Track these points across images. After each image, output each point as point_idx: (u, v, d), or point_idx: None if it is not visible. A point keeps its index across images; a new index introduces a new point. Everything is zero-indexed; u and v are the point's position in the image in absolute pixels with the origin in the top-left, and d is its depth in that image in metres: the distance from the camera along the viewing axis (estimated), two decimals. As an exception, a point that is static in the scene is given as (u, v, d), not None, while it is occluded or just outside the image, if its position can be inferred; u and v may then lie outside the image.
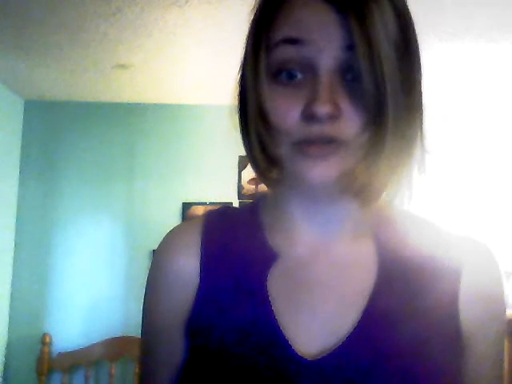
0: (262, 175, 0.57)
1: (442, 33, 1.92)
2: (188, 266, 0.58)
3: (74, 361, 2.56)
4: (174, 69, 2.36)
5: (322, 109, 0.47)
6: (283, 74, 0.50)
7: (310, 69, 0.49)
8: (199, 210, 2.78)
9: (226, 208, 0.65)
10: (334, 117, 0.48)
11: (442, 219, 0.63)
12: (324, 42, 0.48)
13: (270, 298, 0.54)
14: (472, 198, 2.69)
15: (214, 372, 0.53)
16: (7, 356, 2.62)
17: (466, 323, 0.54)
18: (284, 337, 0.52)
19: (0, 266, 2.60)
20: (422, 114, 0.54)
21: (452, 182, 2.67)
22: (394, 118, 0.48)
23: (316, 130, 0.49)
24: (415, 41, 0.52)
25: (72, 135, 2.82)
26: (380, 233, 0.58)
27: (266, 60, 0.52)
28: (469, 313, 0.54)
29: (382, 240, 0.57)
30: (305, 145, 0.50)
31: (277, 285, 0.55)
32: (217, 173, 2.82)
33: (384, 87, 0.47)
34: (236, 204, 2.81)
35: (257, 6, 0.56)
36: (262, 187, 2.83)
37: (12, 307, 2.67)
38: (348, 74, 0.49)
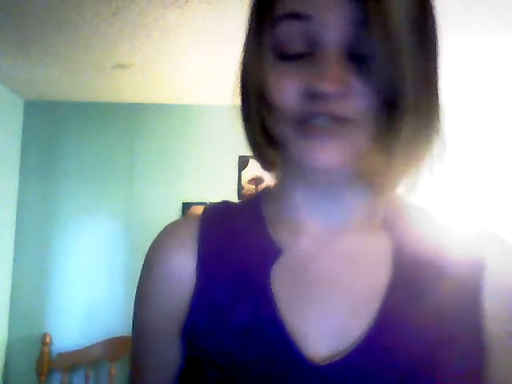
0: (260, 158, 0.53)
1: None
2: (183, 265, 0.54)
3: (74, 361, 2.55)
4: (174, 69, 2.36)
5: (329, 85, 0.43)
6: (287, 51, 0.46)
7: (316, 45, 0.45)
8: (199, 210, 2.78)
9: (225, 203, 0.61)
10: (342, 94, 0.44)
11: (453, 214, 0.60)
12: (332, 17, 0.43)
13: (274, 296, 0.49)
14: (479, 192, 2.68)
15: (215, 378, 0.49)
16: (7, 356, 2.62)
17: (492, 323, 0.49)
18: (291, 339, 0.47)
19: (0, 265, 2.60)
20: (439, 99, 0.49)
21: (461, 178, 2.65)
22: (413, 98, 0.43)
23: (320, 107, 0.44)
24: (434, 19, 0.48)
25: (72, 135, 2.82)
26: (395, 226, 0.53)
27: (269, 36, 0.48)
28: (494, 311, 0.49)
29: (397, 234, 0.52)
30: (307, 123, 0.45)
31: (281, 282, 0.50)
32: (217, 173, 2.81)
33: (401, 66, 0.42)
34: (236, 204, 2.80)
35: None
36: (262, 187, 2.82)
37: (12, 307, 2.67)
38: (357, 51, 0.44)
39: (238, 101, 0.54)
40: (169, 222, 2.66)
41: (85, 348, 2.57)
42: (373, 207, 0.53)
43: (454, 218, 0.57)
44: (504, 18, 1.83)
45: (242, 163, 2.83)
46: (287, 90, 0.46)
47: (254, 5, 0.53)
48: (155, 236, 0.63)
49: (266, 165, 0.54)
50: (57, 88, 2.65)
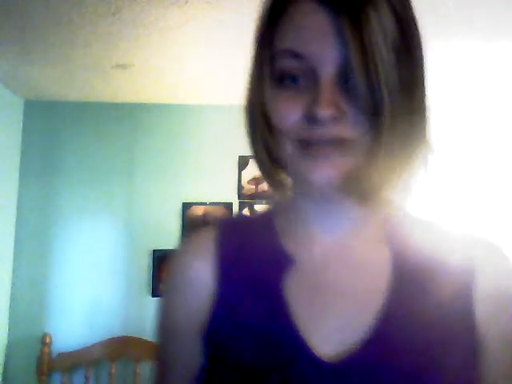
0: (268, 178, 0.58)
1: (443, 32, 1.93)
2: (202, 273, 0.59)
3: (74, 361, 2.55)
4: (174, 69, 2.36)
5: (324, 112, 0.48)
6: (286, 80, 0.52)
7: (312, 76, 0.50)
8: (199, 210, 2.78)
9: (238, 215, 0.67)
10: (336, 119, 0.49)
11: (446, 219, 0.63)
12: (324, 53, 0.49)
13: (287, 302, 0.55)
14: (473, 196, 2.69)
15: (234, 378, 0.53)
16: (7, 356, 2.62)
17: (482, 323, 0.54)
18: (303, 341, 0.52)
19: (0, 265, 2.60)
20: (425, 115, 0.54)
21: (454, 181, 2.67)
22: (390, 121, 0.49)
23: (318, 131, 0.50)
24: (418, 44, 0.53)
25: (72, 135, 2.82)
26: (392, 236, 0.58)
27: (270, 66, 0.54)
28: (484, 312, 0.54)
29: (395, 242, 0.58)
30: (308, 146, 0.51)
31: (293, 289, 0.56)
32: (217, 173, 2.82)
33: (379, 92, 0.48)
34: (236, 204, 2.81)
35: (261, 12, 0.57)
36: (262, 187, 2.83)
37: (12, 307, 2.67)
38: (347, 80, 0.50)
39: (245, 125, 0.60)
40: (169, 222, 2.69)
41: (85, 348, 2.57)
42: (372, 220, 0.59)
43: (446, 223, 0.61)
44: (507, 22, 1.83)
45: (242, 163, 2.83)
46: (288, 115, 0.51)
47: (256, 38, 0.58)
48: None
49: (275, 184, 0.59)
50: (57, 88, 2.65)
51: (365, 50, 0.47)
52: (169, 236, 2.75)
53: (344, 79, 0.50)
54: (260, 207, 2.81)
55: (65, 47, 2.12)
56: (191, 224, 2.77)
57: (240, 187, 2.83)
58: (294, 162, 0.53)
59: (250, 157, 2.73)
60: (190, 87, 2.62)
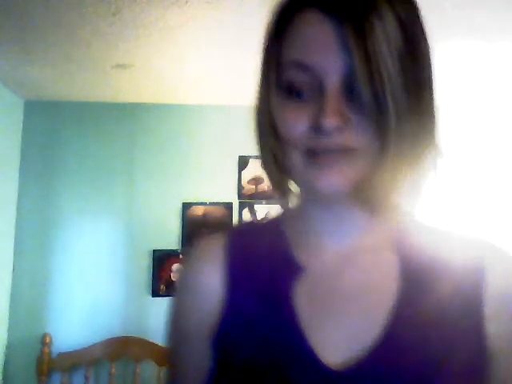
0: (277, 186, 0.59)
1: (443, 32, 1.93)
2: (212, 279, 0.60)
3: (74, 361, 2.55)
4: (174, 69, 2.36)
5: (330, 122, 0.49)
6: (292, 91, 0.53)
7: (318, 86, 0.51)
8: (199, 210, 2.78)
9: (248, 223, 0.69)
10: (342, 128, 0.50)
11: (452, 223, 0.63)
12: (328, 63, 0.50)
13: (295, 310, 0.55)
14: (477, 199, 2.68)
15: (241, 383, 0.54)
16: (7, 356, 2.62)
17: (491, 323, 0.54)
18: (310, 348, 0.53)
19: (0, 265, 2.60)
20: (432, 120, 0.54)
21: (458, 183, 2.66)
22: (396, 129, 0.49)
23: (324, 141, 0.51)
24: (424, 51, 0.53)
25: (72, 135, 2.82)
26: (401, 243, 0.58)
27: (277, 76, 0.54)
28: (493, 312, 0.54)
29: (403, 250, 0.58)
30: (314, 155, 0.52)
31: (302, 296, 0.56)
32: (217, 173, 2.81)
33: (384, 101, 0.48)
34: (236, 204, 2.81)
35: (268, 22, 0.58)
36: (262, 187, 2.83)
37: (12, 307, 2.67)
38: (352, 90, 0.50)
39: (254, 136, 0.60)
40: (169, 222, 2.69)
41: (85, 348, 2.57)
42: (381, 229, 0.59)
43: (452, 227, 0.61)
44: (506, 23, 1.83)
45: (242, 163, 2.83)
46: (295, 125, 0.52)
47: (263, 48, 0.59)
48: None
49: (283, 192, 0.60)
50: (57, 88, 2.65)
51: (369, 58, 0.48)
52: (169, 236, 2.75)
53: (349, 89, 0.50)
54: (260, 207, 2.81)
55: (65, 47, 2.12)
56: (191, 224, 2.77)
57: (240, 187, 2.83)
58: (300, 171, 0.54)
59: (250, 157, 2.73)
60: (190, 87, 2.62)
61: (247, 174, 2.83)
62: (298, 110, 0.52)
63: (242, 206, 2.81)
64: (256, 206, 2.81)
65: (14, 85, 2.60)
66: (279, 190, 0.60)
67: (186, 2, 1.74)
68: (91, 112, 2.83)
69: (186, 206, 2.78)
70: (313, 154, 0.52)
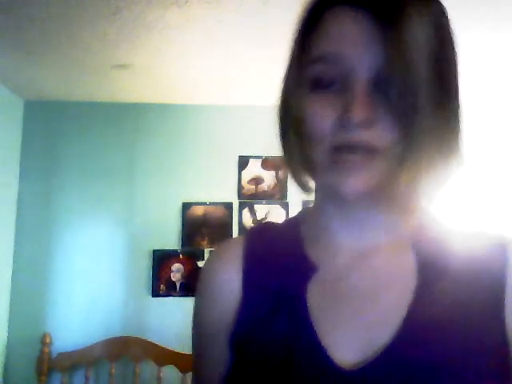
0: (298, 182, 0.59)
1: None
2: (231, 280, 0.61)
3: (74, 361, 2.55)
4: (174, 69, 2.36)
5: (357, 114, 0.49)
6: (320, 86, 0.53)
7: (347, 81, 0.51)
8: (199, 210, 2.78)
9: (267, 223, 0.69)
10: (369, 123, 0.49)
11: (469, 222, 0.62)
12: (359, 57, 0.50)
13: (309, 310, 0.55)
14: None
15: (256, 382, 0.54)
16: (7, 356, 2.62)
17: None
18: (323, 348, 0.53)
19: (0, 265, 2.60)
20: (458, 127, 0.54)
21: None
22: (423, 130, 0.49)
23: (351, 136, 0.50)
24: (453, 52, 0.53)
25: (72, 135, 2.82)
26: (418, 242, 0.58)
27: (306, 71, 0.54)
28: None
29: (421, 249, 0.57)
30: (339, 153, 0.51)
31: (316, 297, 0.56)
32: (217, 173, 2.81)
33: (414, 100, 0.48)
34: (236, 204, 2.81)
35: (299, 18, 0.58)
36: (262, 187, 2.83)
37: (12, 307, 2.67)
38: (383, 86, 0.50)
39: (277, 130, 0.60)
40: (169, 221, 2.69)
41: (85, 348, 2.57)
42: (397, 227, 0.58)
43: (470, 226, 0.60)
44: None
45: (242, 163, 2.83)
46: (322, 120, 0.52)
47: (292, 44, 0.58)
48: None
49: (304, 188, 0.60)
50: (57, 88, 2.65)
51: (402, 53, 0.47)
52: (169, 236, 2.75)
53: (379, 86, 0.50)
54: (260, 207, 2.81)
55: (65, 47, 2.12)
56: (191, 224, 2.77)
57: (240, 187, 2.83)
58: (324, 170, 0.53)
59: (250, 157, 2.73)
60: (190, 87, 2.62)
61: (247, 174, 2.83)
62: (325, 104, 0.52)
63: (242, 206, 2.81)
64: (256, 206, 2.81)
65: (14, 85, 2.60)
66: (301, 186, 0.59)
67: (186, 2, 1.74)
68: (91, 112, 2.84)
69: (186, 206, 2.78)
70: (338, 152, 0.51)
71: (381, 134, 0.50)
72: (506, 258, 0.54)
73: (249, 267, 0.61)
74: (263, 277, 0.60)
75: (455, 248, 0.56)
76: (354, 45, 0.50)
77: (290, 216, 0.71)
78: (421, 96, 0.48)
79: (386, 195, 0.53)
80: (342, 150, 0.51)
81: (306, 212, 0.66)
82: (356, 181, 0.51)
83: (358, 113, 0.48)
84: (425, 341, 0.51)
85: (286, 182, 2.81)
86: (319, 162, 0.53)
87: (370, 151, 0.50)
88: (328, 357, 0.52)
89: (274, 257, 0.61)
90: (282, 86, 0.60)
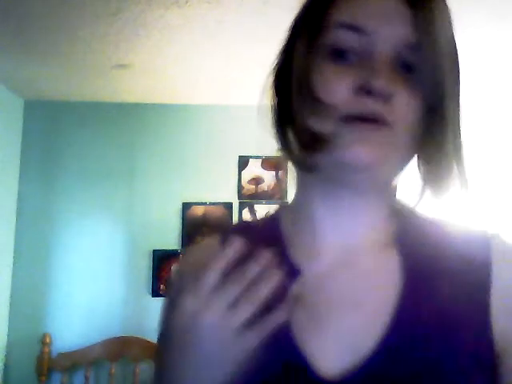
0: (295, 159, 0.55)
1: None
2: None
3: (74, 361, 2.55)
4: (174, 69, 2.36)
5: (380, 82, 0.47)
6: (338, 55, 0.50)
7: (369, 52, 0.49)
8: (199, 210, 2.78)
9: (244, 223, 0.64)
10: (388, 96, 0.48)
11: (456, 216, 0.61)
12: (386, 29, 0.48)
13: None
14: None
15: None
16: (7, 356, 2.62)
17: (500, 325, 0.50)
18: (304, 357, 0.50)
19: (0, 266, 2.60)
20: (461, 134, 0.54)
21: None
22: (445, 113, 0.49)
23: (369, 105, 0.48)
24: (457, 52, 0.54)
25: (72, 135, 2.82)
26: (403, 240, 0.56)
27: (321, 38, 0.51)
28: (502, 313, 0.51)
29: (406, 248, 0.55)
30: (353, 122, 0.49)
31: (297, 302, 0.53)
32: (217, 173, 2.81)
33: (443, 81, 0.48)
34: (236, 204, 2.81)
35: None
36: (262, 187, 2.83)
37: (12, 307, 2.67)
38: (406, 63, 0.49)
39: (268, 101, 0.57)
40: (169, 222, 2.68)
41: (85, 348, 2.57)
42: (383, 225, 0.56)
43: (454, 219, 0.58)
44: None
45: (242, 163, 2.83)
46: (339, 87, 0.49)
47: (305, 9, 0.55)
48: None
49: (303, 166, 0.55)
50: (57, 88, 2.65)
51: (436, 44, 0.47)
52: (169, 236, 2.75)
53: (402, 62, 0.49)
54: (260, 207, 2.81)
55: (65, 47, 2.12)
56: (191, 224, 2.77)
57: (240, 187, 2.83)
58: (333, 139, 0.49)
59: (250, 157, 2.71)
60: (190, 87, 2.62)
61: (247, 174, 2.83)
62: (342, 73, 0.49)
63: (242, 206, 2.81)
64: (256, 206, 2.81)
65: (13, 85, 2.60)
66: (298, 164, 0.55)
67: (186, 2, 1.74)
68: (91, 112, 2.83)
69: (186, 206, 2.78)
70: (351, 122, 0.48)
71: (397, 111, 0.48)
72: (490, 257, 0.53)
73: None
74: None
75: (439, 246, 0.54)
76: (380, 17, 0.49)
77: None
78: (446, 80, 0.48)
79: (376, 183, 0.52)
80: (355, 120, 0.49)
81: (285, 208, 0.62)
82: (365, 150, 0.48)
83: (380, 82, 0.47)
84: (410, 348, 0.49)
85: (286, 182, 2.81)
86: (328, 133, 0.50)
87: (383, 125, 0.48)
88: (309, 366, 0.49)
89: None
90: (283, 54, 0.57)
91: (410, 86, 0.49)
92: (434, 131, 0.49)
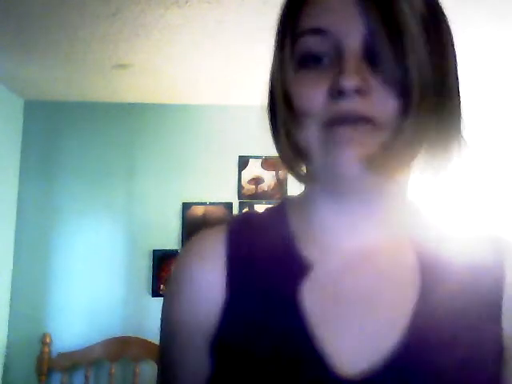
0: (291, 169, 0.55)
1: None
2: (212, 278, 0.54)
3: (74, 361, 2.55)
4: (174, 69, 2.36)
5: (348, 81, 0.46)
6: (308, 59, 0.50)
7: (336, 53, 0.48)
8: (199, 210, 2.78)
9: (249, 214, 0.62)
10: (363, 91, 0.47)
11: (468, 218, 0.60)
12: (348, 26, 0.48)
13: (303, 312, 0.50)
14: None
15: None
16: (7, 356, 2.62)
17: (510, 330, 0.50)
18: (321, 354, 0.48)
19: (0, 265, 2.60)
20: (458, 107, 0.52)
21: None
22: (419, 101, 0.46)
23: (345, 106, 0.47)
24: (447, 28, 0.52)
25: (72, 135, 2.82)
26: (417, 236, 0.54)
27: (293, 49, 0.52)
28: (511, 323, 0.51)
29: (421, 248, 0.54)
30: (334, 126, 0.48)
31: (311, 298, 0.51)
32: (217, 173, 2.81)
33: (407, 66, 0.46)
34: (236, 204, 2.81)
35: None
36: (262, 187, 2.83)
37: (12, 307, 2.67)
38: (373, 55, 0.48)
39: (267, 114, 0.57)
40: (169, 221, 2.68)
41: (85, 348, 2.57)
42: (395, 223, 0.55)
43: (469, 224, 0.58)
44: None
45: (242, 163, 2.83)
46: (312, 95, 0.49)
47: (279, 21, 0.56)
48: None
49: (294, 173, 0.55)
50: (57, 88, 2.65)
51: (392, 20, 0.46)
52: (169, 236, 2.75)
53: (370, 54, 0.48)
54: (260, 207, 2.81)
55: (65, 47, 2.12)
56: (191, 224, 2.77)
57: (240, 187, 2.83)
58: (318, 148, 0.49)
59: (250, 157, 2.72)
60: (190, 87, 2.62)
61: (247, 174, 2.83)
62: (316, 79, 0.49)
63: (241, 206, 2.81)
64: (256, 206, 2.81)
65: (13, 85, 2.60)
66: (293, 173, 0.54)
67: (186, 2, 1.74)
68: (91, 112, 2.84)
69: (186, 206, 2.78)
70: (332, 125, 0.48)
71: (375, 105, 0.47)
72: (503, 258, 0.53)
73: (233, 265, 0.54)
74: (251, 277, 0.53)
75: (454, 249, 0.53)
76: (341, 14, 0.48)
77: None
78: (414, 63, 0.46)
79: (380, 185, 0.50)
80: (334, 123, 0.48)
81: (293, 202, 0.60)
82: (350, 153, 0.47)
83: (349, 80, 0.46)
84: (430, 348, 0.48)
85: (286, 182, 2.81)
86: (311, 142, 0.49)
87: (363, 122, 0.47)
88: (327, 364, 0.48)
89: (261, 252, 0.55)
90: (271, 67, 0.57)
91: (381, 74, 0.47)
92: (402, 116, 0.47)
